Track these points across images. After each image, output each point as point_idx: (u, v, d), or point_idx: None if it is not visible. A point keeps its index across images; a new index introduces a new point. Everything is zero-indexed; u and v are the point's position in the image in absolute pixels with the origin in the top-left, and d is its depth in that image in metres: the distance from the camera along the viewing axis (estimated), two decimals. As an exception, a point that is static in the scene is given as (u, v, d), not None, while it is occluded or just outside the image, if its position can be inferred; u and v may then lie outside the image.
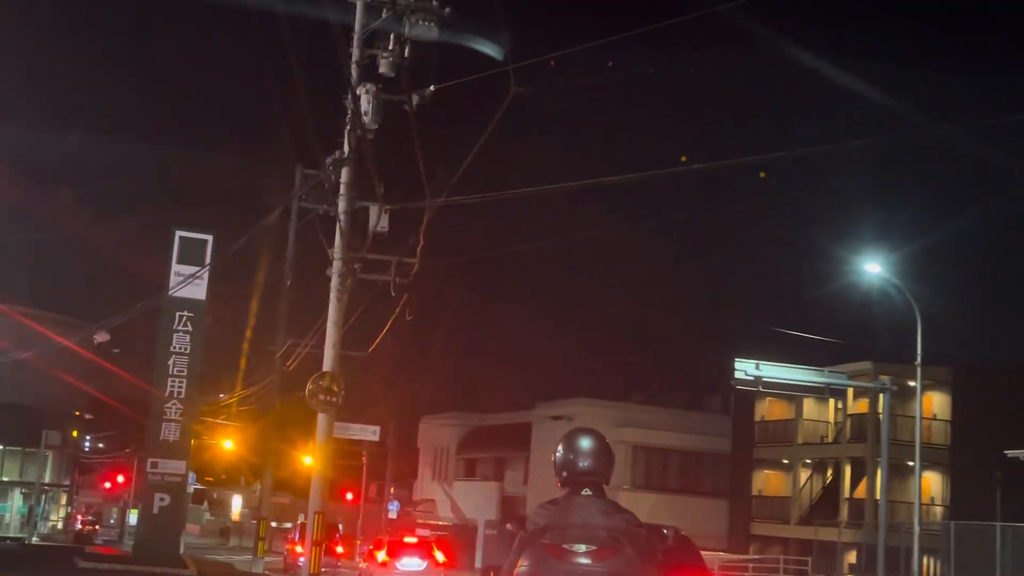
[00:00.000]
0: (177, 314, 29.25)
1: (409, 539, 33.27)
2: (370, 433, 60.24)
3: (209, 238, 29.79)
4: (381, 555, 31.56)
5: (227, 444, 57.19)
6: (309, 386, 19.85)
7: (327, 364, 20.28)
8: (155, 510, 28.12)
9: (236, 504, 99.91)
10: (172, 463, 28.46)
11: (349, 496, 74.16)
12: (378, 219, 20.19)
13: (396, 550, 31.50)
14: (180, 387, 28.96)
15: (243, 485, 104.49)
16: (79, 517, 66.70)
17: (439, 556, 32.21)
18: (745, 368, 27.20)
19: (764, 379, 27.32)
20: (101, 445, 74.16)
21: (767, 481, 44.76)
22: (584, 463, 4.87)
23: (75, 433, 54.92)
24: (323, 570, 20.73)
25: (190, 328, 29.27)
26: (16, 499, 49.52)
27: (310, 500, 20.29)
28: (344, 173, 20.49)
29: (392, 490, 63.88)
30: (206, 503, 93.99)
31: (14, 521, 48.51)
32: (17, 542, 41.07)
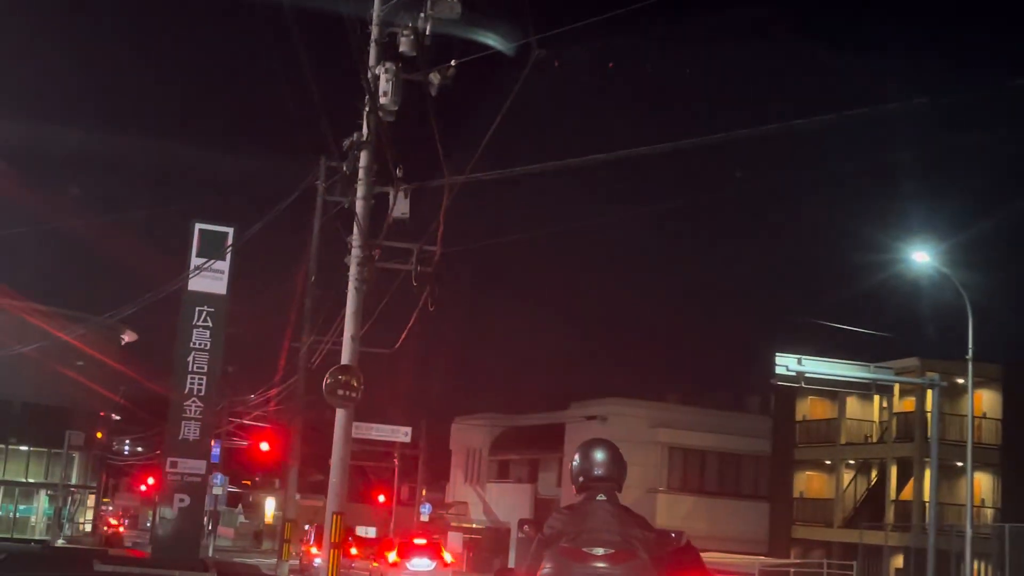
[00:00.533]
0: (196, 309, 28.57)
1: (419, 540, 34.76)
2: (401, 434, 59.93)
3: (230, 231, 29.10)
4: (392, 555, 32.73)
5: (263, 446, 56.72)
6: (327, 380, 18.98)
7: (346, 357, 19.42)
8: (174, 511, 27.42)
9: (270, 507, 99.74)
10: (192, 463, 27.78)
11: (381, 498, 73.50)
12: (394, 202, 19.31)
13: (406, 551, 32.80)
14: (200, 384, 28.27)
15: (277, 488, 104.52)
16: (108, 519, 66.52)
17: (447, 557, 33.89)
18: (786, 363, 26.13)
19: (807, 375, 26.23)
20: (140, 449, 74.11)
21: (809, 483, 43.51)
22: (598, 470, 5.33)
23: (100, 435, 54.46)
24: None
25: (210, 323, 28.58)
26: (42, 501, 49.12)
27: (328, 500, 19.44)
28: (363, 157, 19.65)
29: (424, 492, 63.09)
30: (240, 506, 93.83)
31: (40, 523, 48.11)
32: (41, 544, 40.59)
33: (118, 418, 58.46)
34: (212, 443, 61.77)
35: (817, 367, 26.12)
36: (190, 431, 27.87)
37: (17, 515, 47.78)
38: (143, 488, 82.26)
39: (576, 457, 5.51)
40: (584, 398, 49.24)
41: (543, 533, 5.22)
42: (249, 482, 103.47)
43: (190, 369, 28.19)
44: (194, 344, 28.40)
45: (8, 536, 45.45)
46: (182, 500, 27.42)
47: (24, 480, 47.82)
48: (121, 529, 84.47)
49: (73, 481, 51.74)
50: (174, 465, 27.59)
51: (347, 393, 18.82)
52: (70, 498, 50.56)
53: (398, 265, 20.49)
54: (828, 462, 42.16)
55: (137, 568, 26.27)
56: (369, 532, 63.50)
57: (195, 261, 28.62)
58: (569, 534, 5.10)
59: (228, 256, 28.92)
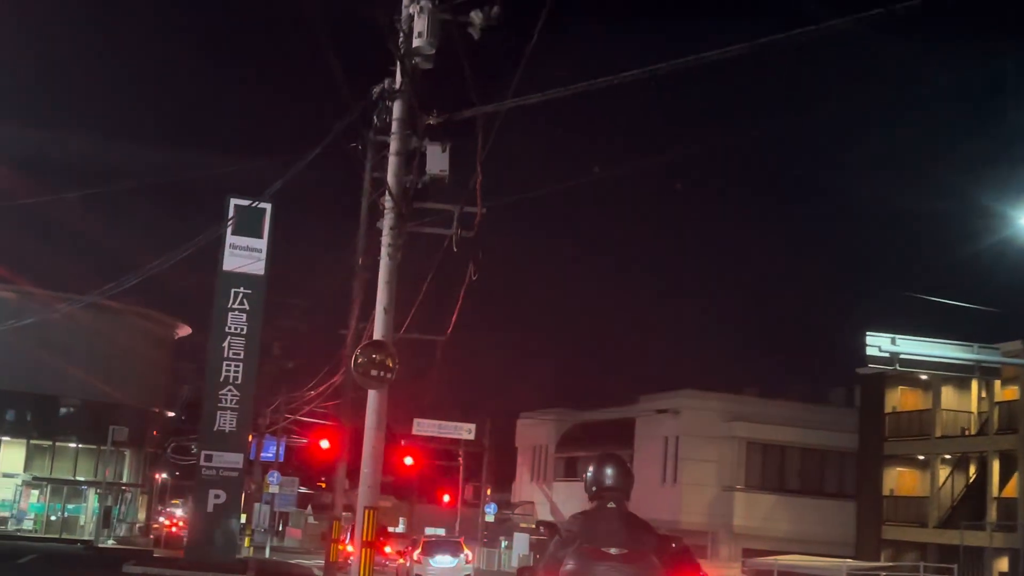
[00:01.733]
0: (232, 291, 26.82)
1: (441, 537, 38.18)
2: (465, 431, 58.23)
3: (267, 207, 27.32)
4: (417, 552, 34.19)
5: (323, 444, 55.18)
6: (358, 358, 16.93)
7: (379, 331, 17.43)
8: (209, 508, 25.69)
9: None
10: (228, 456, 26.02)
11: (446, 498, 71.91)
12: (417, 151, 17.31)
13: (429, 548, 34.41)
14: (236, 372, 26.49)
15: (347, 488, 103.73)
16: (166, 519, 65.55)
17: (468, 553, 35.49)
18: (879, 343, 23.58)
19: (902, 356, 23.65)
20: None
21: (900, 480, 40.72)
22: (609, 481, 6.08)
23: (155, 432, 53.30)
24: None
25: (247, 306, 26.81)
26: (92, 500, 48.04)
27: (360, 493, 17.48)
28: (396, 107, 17.66)
29: (489, 492, 61.27)
30: (309, 507, 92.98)
31: (90, 524, 47.03)
32: (85, 545, 39.32)
33: (172, 414, 57.31)
34: (251, 438, 60.79)
35: (914, 347, 23.55)
36: (226, 422, 26.12)
37: (66, 515, 46.68)
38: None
39: (590, 469, 6.15)
40: (655, 391, 47.01)
41: (560, 535, 5.99)
42: (324, 484, 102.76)
43: (226, 355, 26.42)
44: (230, 329, 26.64)
45: (56, 536, 44.39)
46: (217, 496, 25.66)
47: (72, 478, 46.70)
48: (175, 529, 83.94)
49: (124, 479, 50.60)
50: (208, 459, 25.84)
51: (381, 373, 16.84)
52: (120, 497, 49.38)
53: (436, 229, 18.49)
54: (921, 457, 39.37)
55: (169, 570, 24.62)
56: (438, 533, 61.88)
57: (230, 239, 26.93)
58: (586, 536, 5.81)
59: (266, 233, 27.16)
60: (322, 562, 47.61)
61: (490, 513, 58.66)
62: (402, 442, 61.34)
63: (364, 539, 17.11)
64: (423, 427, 57.84)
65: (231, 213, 27.00)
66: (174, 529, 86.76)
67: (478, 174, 16.64)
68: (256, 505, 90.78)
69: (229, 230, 26.88)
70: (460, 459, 62.31)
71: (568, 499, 54.48)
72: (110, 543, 45.49)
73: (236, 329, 26.70)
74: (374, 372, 16.88)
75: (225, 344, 26.61)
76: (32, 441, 46.89)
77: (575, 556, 5.78)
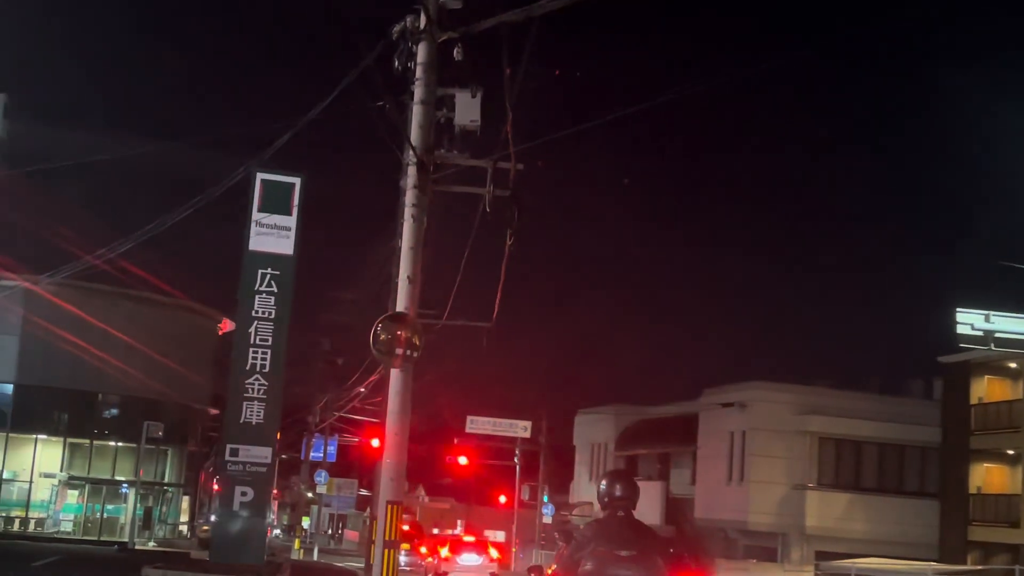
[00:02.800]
0: (259, 272, 25.11)
1: (467, 538, 39.53)
2: (520, 429, 56.26)
3: (296, 180, 25.64)
4: (444, 551, 36.01)
5: (374, 443, 53.82)
6: (378, 333, 15.06)
7: (402, 302, 15.63)
8: (235, 506, 24.00)
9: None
10: (255, 450, 24.31)
11: (502, 499, 70.13)
12: (444, 99, 15.49)
13: (457, 547, 36.56)
14: (264, 359, 24.80)
15: (406, 491, 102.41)
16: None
17: (493, 553, 37.27)
18: (971, 321, 21.37)
19: (997, 335, 21.38)
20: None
21: (988, 476, 38.07)
22: (619, 492, 7.21)
23: (199, 430, 52.01)
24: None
25: (275, 288, 25.11)
26: (132, 501, 46.90)
27: (380, 487, 15.67)
28: (421, 51, 15.82)
29: (546, 492, 59.33)
30: (368, 509, 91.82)
31: (131, 524, 45.90)
32: (121, 547, 38.02)
33: (216, 412, 56.05)
34: (303, 438, 59.36)
35: (1012, 325, 21.28)
36: (253, 413, 24.43)
37: (105, 515, 45.51)
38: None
39: (603, 483, 7.33)
40: (720, 384, 44.79)
41: (576, 540, 7.21)
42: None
43: (252, 341, 24.72)
44: (256, 312, 24.94)
45: (94, 539, 43.26)
46: (244, 494, 23.97)
47: (111, 478, 45.52)
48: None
49: (166, 479, 49.45)
50: (234, 453, 24.14)
51: (408, 352, 15.00)
52: (161, 497, 48.18)
53: (467, 188, 16.60)
54: (1011, 452, 36.72)
55: (190, 573, 23.03)
56: (498, 536, 60.12)
57: (256, 216, 25.27)
58: (599, 540, 7.00)
59: (295, 210, 25.46)
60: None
61: (547, 514, 56.82)
62: (455, 440, 59.79)
63: (386, 538, 15.30)
64: (477, 425, 56.26)
65: (257, 188, 25.37)
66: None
67: (507, 112, 14.73)
68: (313, 508, 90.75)
69: (255, 206, 25.24)
70: (517, 458, 60.50)
71: (629, 499, 52.43)
72: (151, 545, 44.27)
73: (264, 313, 25.01)
74: (399, 351, 15.07)
75: (251, 329, 24.94)
76: (70, 439, 45.83)
77: (591, 558, 6.91)
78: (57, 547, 35.21)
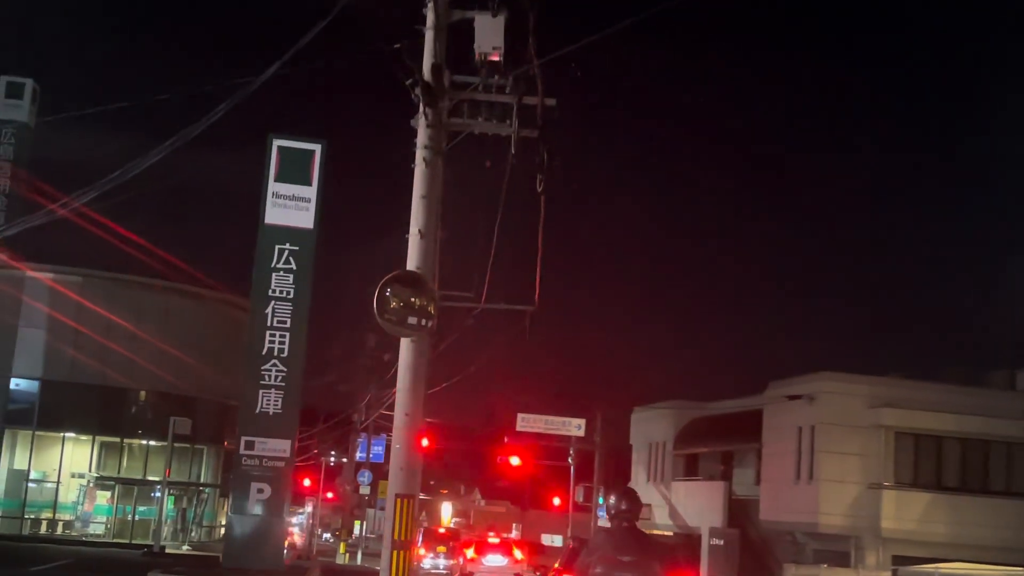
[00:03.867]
0: (277, 248, 23.17)
1: (492, 539, 40.47)
2: (574, 427, 53.90)
3: (317, 147, 23.62)
4: (470, 552, 37.21)
5: (423, 442, 51.93)
6: (388, 300, 12.97)
7: (412, 260, 13.53)
8: (251, 506, 22.05)
9: (446, 512, 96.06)
10: (272, 443, 22.38)
11: (556, 501, 68.02)
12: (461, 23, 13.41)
13: (482, 548, 37.43)
14: (282, 343, 22.81)
15: (462, 494, 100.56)
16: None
17: (517, 554, 38.10)
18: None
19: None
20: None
21: (1083, 474, 35.22)
22: (623, 506, 8.71)
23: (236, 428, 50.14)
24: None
25: (293, 265, 23.13)
26: (165, 502, 45.31)
27: (390, 478, 13.56)
28: (432, -36, 13.72)
29: (602, 493, 57.01)
30: (424, 513, 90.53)
31: (162, 527, 44.31)
32: (146, 550, 36.25)
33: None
34: (292, 427, 57.53)
35: None
36: (270, 402, 22.47)
37: (136, 517, 43.87)
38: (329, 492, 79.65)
39: (611, 497, 8.91)
40: (786, 376, 42.15)
41: (588, 547, 8.97)
42: (446, 490, 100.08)
43: (269, 324, 22.76)
44: (274, 292, 22.99)
45: (124, 541, 41.64)
46: (260, 491, 22.06)
47: (142, 478, 43.85)
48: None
49: (201, 479, 47.78)
50: (250, 446, 22.23)
51: (420, 321, 12.88)
52: (196, 498, 46.47)
53: (489, 127, 14.42)
54: (1111, 447, 33.86)
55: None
56: (554, 541, 58.05)
57: (273, 187, 23.30)
58: (607, 547, 8.56)
59: (316, 179, 23.45)
60: (421, 566, 44.75)
61: (603, 517, 54.50)
62: (505, 439, 57.78)
63: (395, 537, 13.18)
64: (527, 423, 54.38)
65: (273, 155, 23.40)
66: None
67: (530, 32, 12.53)
68: (369, 511, 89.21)
69: (271, 175, 23.27)
70: (571, 458, 58.30)
71: (688, 500, 49.93)
72: (185, 549, 42.62)
73: (281, 293, 23.03)
74: (412, 320, 12.95)
75: (268, 310, 22.98)
76: (100, 438, 44.29)
77: (598, 562, 8.52)
78: (79, 550, 33.59)
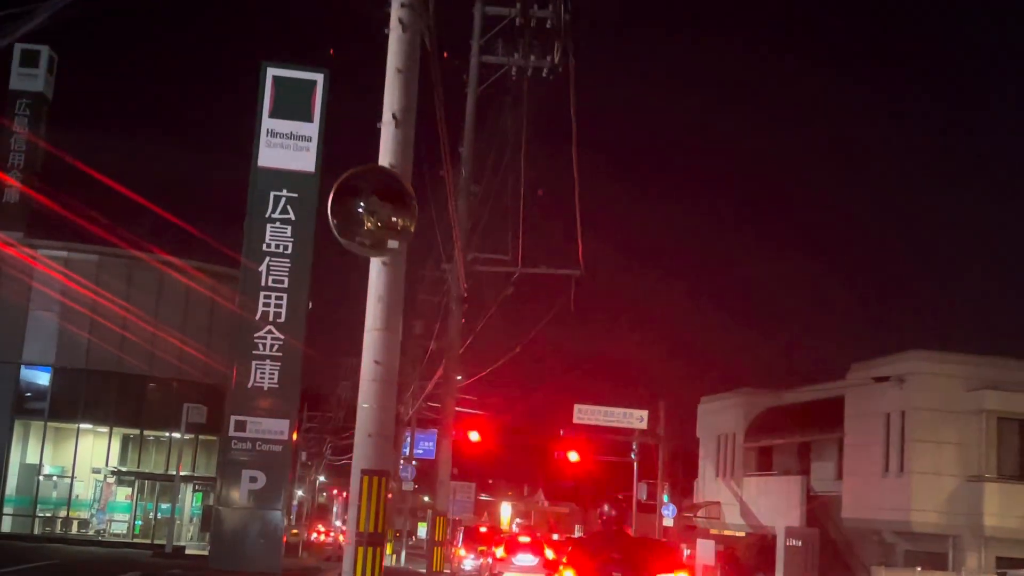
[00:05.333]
0: (272, 195, 19.92)
1: (523, 538, 39.88)
2: (636, 419, 50.43)
3: (318, 77, 20.40)
4: (499, 551, 36.40)
5: (473, 436, 48.63)
6: (364, 220, 9.61)
7: (385, 156, 10.22)
8: (242, 496, 18.83)
9: (506, 513, 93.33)
10: (267, 423, 19.19)
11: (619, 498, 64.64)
12: None
13: (513, 548, 36.77)
14: (279, 305, 19.57)
15: (526, 495, 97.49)
16: (322, 526, 60.14)
17: (549, 554, 37.00)
18: None
19: None
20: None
21: None
22: (613, 513, 10.50)
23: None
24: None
25: (292, 215, 19.91)
26: (190, 499, 42.62)
27: (355, 448, 10.20)
28: None
29: (667, 491, 53.42)
30: (486, 515, 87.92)
31: (188, 526, 41.59)
32: (156, 551, 33.36)
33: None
34: (292, 405, 54.68)
35: None
36: (264, 376, 19.27)
37: (159, 515, 41.04)
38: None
39: (604, 506, 10.62)
40: (870, 357, 38.38)
41: (582, 545, 11.05)
42: (513, 492, 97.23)
43: (264, 283, 19.50)
44: (268, 246, 19.76)
45: (147, 541, 38.83)
46: (253, 480, 18.79)
47: (164, 472, 40.93)
48: (322, 537, 79.00)
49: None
50: (241, 427, 19.01)
51: (388, 233, 9.52)
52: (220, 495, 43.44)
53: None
54: None
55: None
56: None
57: (267, 123, 20.11)
58: (600, 546, 10.32)
59: (317, 115, 20.23)
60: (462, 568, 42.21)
61: (668, 516, 51.11)
62: (560, 432, 54.48)
63: (361, 529, 9.84)
64: (584, 414, 51.19)
65: (268, 87, 20.25)
66: (321, 536, 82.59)
67: None
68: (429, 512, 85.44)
69: (265, 110, 20.11)
70: (633, 453, 54.81)
71: (761, 497, 46.26)
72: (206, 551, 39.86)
73: (278, 247, 19.81)
74: (392, 243, 9.66)
75: (262, 268, 19.78)
76: (118, 430, 41.52)
77: (593, 557, 10.22)
78: (82, 551, 30.76)
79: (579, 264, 25.47)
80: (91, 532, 39.64)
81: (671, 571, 12.28)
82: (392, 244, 9.60)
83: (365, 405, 9.88)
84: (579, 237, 21.36)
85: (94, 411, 40.60)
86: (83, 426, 40.68)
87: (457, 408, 50.25)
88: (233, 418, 19.00)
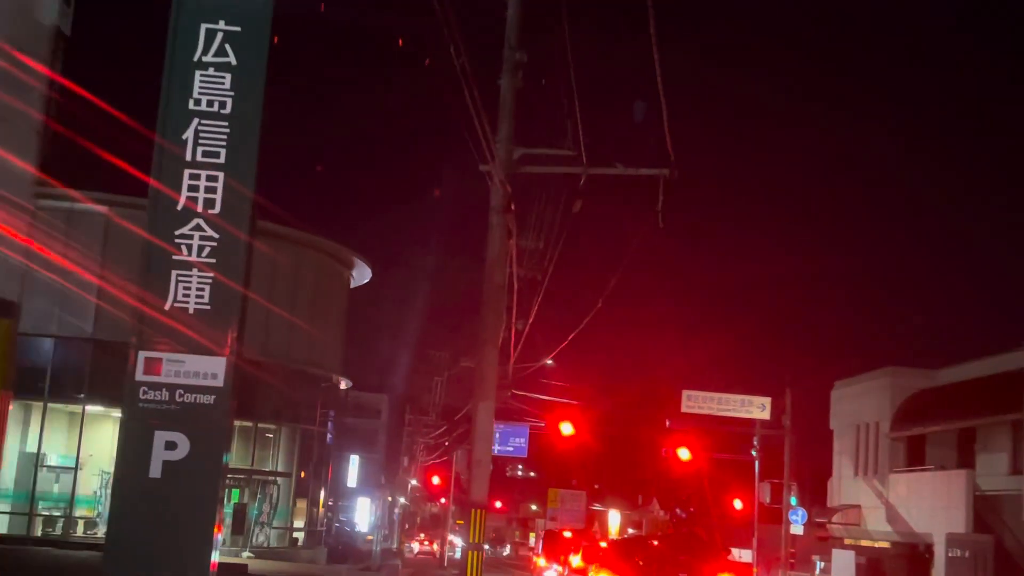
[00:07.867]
0: (204, 28, 13.62)
1: (602, 544, 36.97)
2: (757, 408, 43.96)
3: None
4: (575, 559, 33.05)
5: (564, 429, 42.32)
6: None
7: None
8: (151, 468, 12.61)
9: (614, 521, 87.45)
10: (193, 361, 12.94)
11: (738, 504, 58.13)
12: None
13: (591, 556, 33.06)
14: (211, 190, 13.22)
15: (640, 504, 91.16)
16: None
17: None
18: None
19: None
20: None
21: None
22: (683, 515, 27.37)
23: (318, 405, 41.36)
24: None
25: (232, 59, 13.64)
26: (232, 495, 37.23)
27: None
28: None
29: (795, 493, 46.69)
30: (596, 525, 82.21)
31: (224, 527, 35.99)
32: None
33: (345, 385, 45.70)
34: (228, 333, 48.20)
35: None
36: (190, 293, 13.01)
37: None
38: (436, 482, 72.79)
39: (677, 509, 24.81)
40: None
41: (643, 549, 18.88)
42: (626, 502, 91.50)
43: (189, 157, 13.22)
44: (198, 103, 13.44)
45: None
46: (171, 446, 12.50)
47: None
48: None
49: (270, 467, 39.21)
50: (153, 368, 12.81)
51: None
52: (262, 492, 37.73)
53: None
54: None
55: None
56: (743, 556, 48.39)
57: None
58: (667, 548, 18.19)
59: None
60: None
61: (797, 523, 44.72)
62: (667, 422, 48.16)
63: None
64: (695, 402, 45.27)
65: None
66: (425, 544, 77.86)
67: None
68: (539, 521, 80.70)
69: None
70: (755, 449, 48.31)
71: (913, 498, 39.43)
72: (244, 556, 34.30)
73: (212, 105, 13.54)
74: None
75: (188, 134, 13.56)
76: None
77: (655, 560, 17.49)
78: (80, 556, 25.13)
79: (668, 160, 18.97)
80: (99, 534, 34.29)
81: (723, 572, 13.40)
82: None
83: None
84: (666, 126, 15.22)
85: (103, 390, 34.92)
86: (90, 408, 35.23)
87: (541, 396, 44.32)
88: (142, 355, 12.76)
